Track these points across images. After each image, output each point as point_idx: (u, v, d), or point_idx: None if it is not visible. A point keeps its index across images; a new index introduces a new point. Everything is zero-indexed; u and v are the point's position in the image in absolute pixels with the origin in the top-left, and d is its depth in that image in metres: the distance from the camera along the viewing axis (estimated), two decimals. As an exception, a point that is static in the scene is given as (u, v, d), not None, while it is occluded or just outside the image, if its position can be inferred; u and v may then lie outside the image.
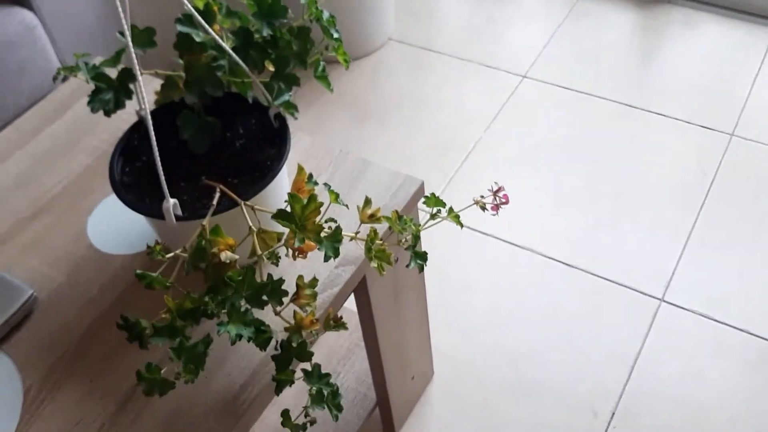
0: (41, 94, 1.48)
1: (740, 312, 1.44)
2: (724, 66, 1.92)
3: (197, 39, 0.76)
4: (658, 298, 1.48)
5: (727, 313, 1.44)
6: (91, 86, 0.79)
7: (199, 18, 0.75)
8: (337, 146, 1.01)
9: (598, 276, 1.52)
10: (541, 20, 2.10)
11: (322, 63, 0.81)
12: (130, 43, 0.72)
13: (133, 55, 0.73)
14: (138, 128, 0.87)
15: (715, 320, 1.43)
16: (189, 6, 0.75)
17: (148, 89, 0.78)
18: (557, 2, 2.14)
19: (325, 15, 0.79)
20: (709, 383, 1.35)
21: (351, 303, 1.01)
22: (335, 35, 0.79)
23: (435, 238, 1.49)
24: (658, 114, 1.82)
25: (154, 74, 0.85)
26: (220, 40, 0.77)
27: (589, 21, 2.08)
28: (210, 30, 0.75)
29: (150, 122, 0.70)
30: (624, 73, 1.93)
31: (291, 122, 0.85)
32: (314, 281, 0.74)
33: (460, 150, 1.78)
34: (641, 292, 1.49)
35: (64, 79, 1.42)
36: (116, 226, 0.94)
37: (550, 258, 1.56)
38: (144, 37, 0.78)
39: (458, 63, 2.00)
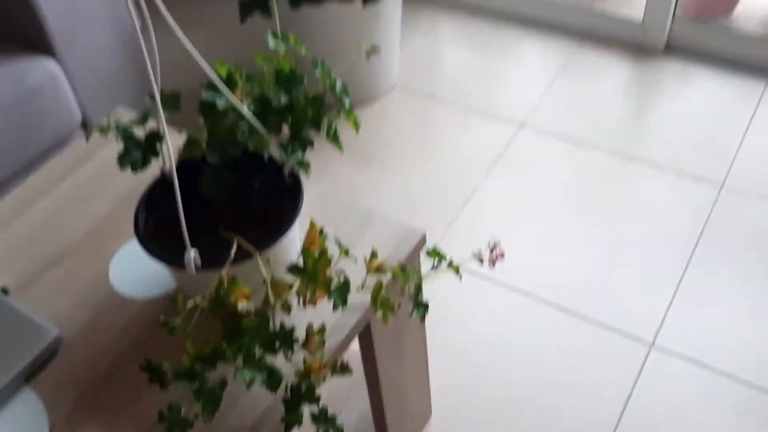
0: (63, 137, 1.56)
1: (728, 358, 1.50)
2: (716, 118, 1.99)
3: (220, 106, 0.83)
4: (648, 343, 1.53)
5: (716, 359, 1.50)
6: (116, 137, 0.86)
7: (223, 87, 0.82)
8: (343, 191, 1.08)
9: (591, 320, 1.58)
10: (538, 71, 2.18)
11: (334, 126, 0.88)
12: (160, 109, 0.79)
13: (162, 120, 0.80)
14: (161, 182, 0.93)
15: (704, 366, 1.49)
16: (213, 75, 0.83)
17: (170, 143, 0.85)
18: (554, 53, 2.23)
19: (338, 85, 0.86)
20: (697, 428, 1.40)
21: (353, 343, 1.07)
22: (347, 103, 0.86)
23: (435, 280, 1.55)
24: (652, 164, 1.89)
25: (177, 131, 0.92)
26: (241, 107, 0.84)
27: (585, 72, 2.16)
28: (232, 99, 0.82)
29: (176, 183, 0.77)
30: (619, 123, 2.01)
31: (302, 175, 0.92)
32: (323, 329, 0.81)
33: (460, 195, 1.85)
34: (633, 337, 1.54)
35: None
36: (136, 272, 1.01)
37: (545, 301, 1.62)
38: (171, 101, 0.85)
39: (460, 111, 2.08)
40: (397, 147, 2.00)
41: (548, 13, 2.30)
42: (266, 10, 1.90)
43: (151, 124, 0.88)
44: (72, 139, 1.58)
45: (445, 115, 2.08)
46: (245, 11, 1.87)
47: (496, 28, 2.33)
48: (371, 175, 1.92)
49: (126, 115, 1.21)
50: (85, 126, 1.61)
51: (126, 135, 0.85)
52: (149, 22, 0.75)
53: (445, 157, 1.96)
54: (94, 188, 1.13)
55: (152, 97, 0.82)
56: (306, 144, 0.85)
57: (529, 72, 2.19)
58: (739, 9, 2.18)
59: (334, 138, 0.89)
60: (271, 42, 0.94)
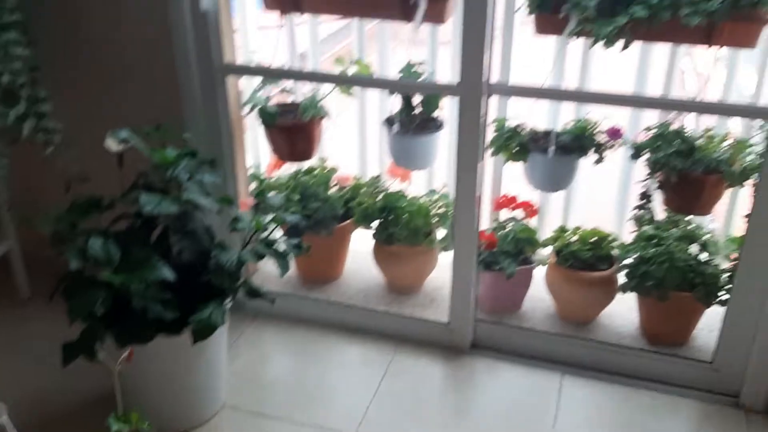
0: None
1: None
2: (525, 411, 2.17)
3: None
4: None
5: None
6: None
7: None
8: None
9: None
10: (362, 378, 2.29)
11: None
12: None
13: None
14: None
15: None
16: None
17: None
18: (375, 358, 2.36)
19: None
20: None
21: None
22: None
23: None
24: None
25: None
26: None
27: (405, 375, 2.30)
28: None
29: None
30: (441, 425, 2.12)
31: None
32: None
33: None
34: None
35: None
36: None
37: None
38: None
39: (291, 427, 2.10)
40: (230, 474, 1.94)
41: (365, 320, 2.48)
42: (91, 354, 1.88)
43: None
44: None
45: (277, 432, 2.09)
46: (69, 355, 1.84)
47: (319, 336, 2.46)
48: None
49: None
50: None
51: None
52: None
53: (280, 480, 1.93)
54: None
55: None
56: None
57: (354, 380, 2.29)
58: (526, 306, 2.50)
59: None
60: (114, 425, 0.95)
